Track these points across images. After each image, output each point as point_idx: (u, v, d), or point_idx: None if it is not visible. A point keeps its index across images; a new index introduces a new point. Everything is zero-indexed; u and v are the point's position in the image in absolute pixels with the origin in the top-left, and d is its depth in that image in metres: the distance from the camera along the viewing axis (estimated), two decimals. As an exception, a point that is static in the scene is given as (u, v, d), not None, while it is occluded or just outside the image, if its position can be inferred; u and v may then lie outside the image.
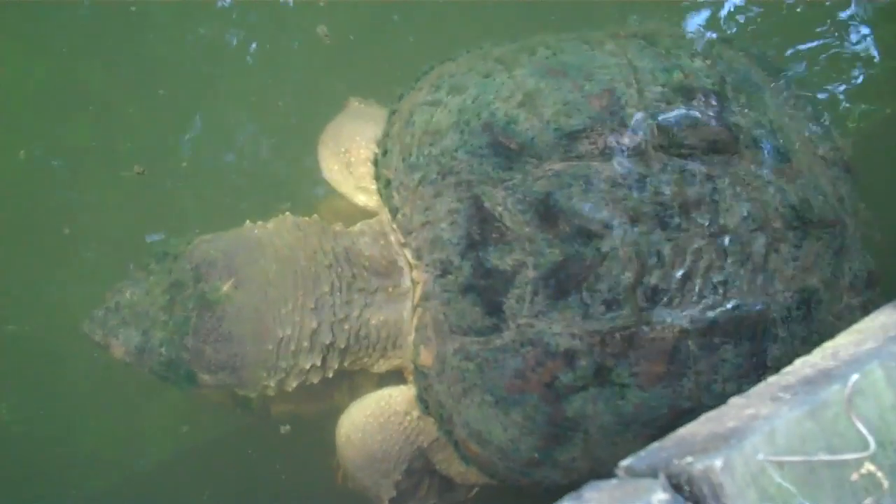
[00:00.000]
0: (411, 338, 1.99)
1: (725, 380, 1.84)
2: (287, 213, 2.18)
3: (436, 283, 1.90)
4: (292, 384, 2.08)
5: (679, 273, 1.81)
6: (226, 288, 1.99)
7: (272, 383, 2.07)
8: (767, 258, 1.87)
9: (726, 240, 1.84)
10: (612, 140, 1.85)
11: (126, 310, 2.05)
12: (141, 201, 2.82)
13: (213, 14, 3.01)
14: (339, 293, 2.07)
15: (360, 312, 2.07)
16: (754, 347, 1.84)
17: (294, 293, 2.03)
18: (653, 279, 1.79)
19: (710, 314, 1.81)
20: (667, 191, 1.83)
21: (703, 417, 1.27)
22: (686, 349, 1.80)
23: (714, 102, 1.94)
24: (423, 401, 2.00)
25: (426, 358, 1.94)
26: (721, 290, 1.83)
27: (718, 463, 1.12)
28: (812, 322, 1.91)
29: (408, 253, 1.99)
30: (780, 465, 1.13)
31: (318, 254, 2.08)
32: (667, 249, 1.81)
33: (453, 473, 2.17)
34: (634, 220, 1.81)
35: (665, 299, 1.80)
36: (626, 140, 1.86)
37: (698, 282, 1.81)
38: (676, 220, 1.82)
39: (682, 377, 1.81)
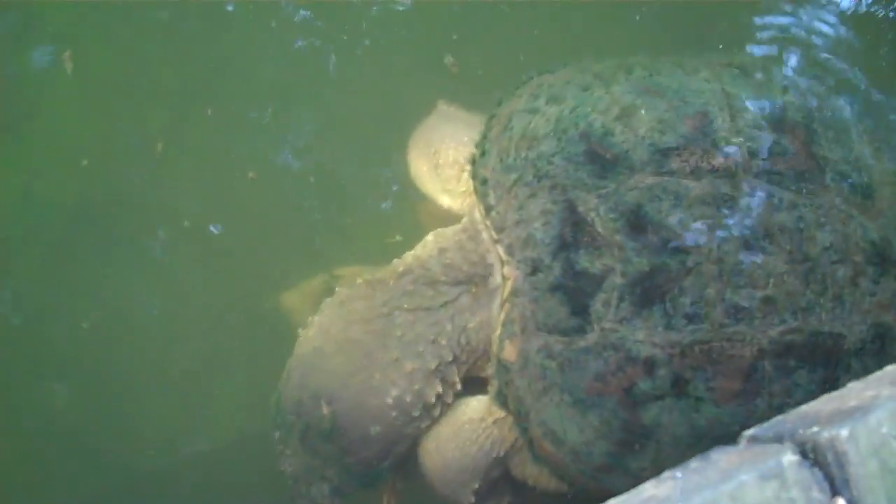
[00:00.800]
0: (497, 333, 2.03)
1: (797, 404, 1.85)
2: (336, 289, 2.25)
3: (525, 281, 1.94)
4: (436, 414, 2.16)
5: (761, 294, 1.84)
6: (325, 411, 2.10)
7: (419, 429, 2.16)
8: (846, 290, 1.91)
9: (808, 266, 1.89)
10: (703, 160, 1.92)
11: (300, 477, 2.20)
12: (204, 200, 2.93)
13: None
14: (421, 322, 2.13)
15: (452, 325, 2.12)
16: (828, 374, 1.87)
17: (373, 361, 2.12)
18: (735, 297, 1.84)
19: (789, 337, 1.85)
20: (754, 214, 1.89)
21: (825, 397, 1.36)
22: (762, 369, 1.84)
23: (803, 135, 2.00)
24: (503, 395, 2.02)
25: (510, 353, 1.98)
26: (800, 316, 1.86)
27: (844, 433, 1.19)
28: (884, 357, 1.92)
29: (500, 249, 2.03)
30: (903, 439, 1.22)
31: (384, 307, 2.15)
32: (750, 270, 1.85)
33: (528, 476, 2.18)
34: (721, 239, 1.86)
35: (746, 318, 1.83)
36: (717, 161, 1.92)
37: (779, 304, 1.85)
38: (761, 242, 1.87)
39: (756, 396, 1.84)
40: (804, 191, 1.94)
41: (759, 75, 2.19)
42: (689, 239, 1.86)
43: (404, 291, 2.16)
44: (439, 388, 2.12)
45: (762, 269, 1.86)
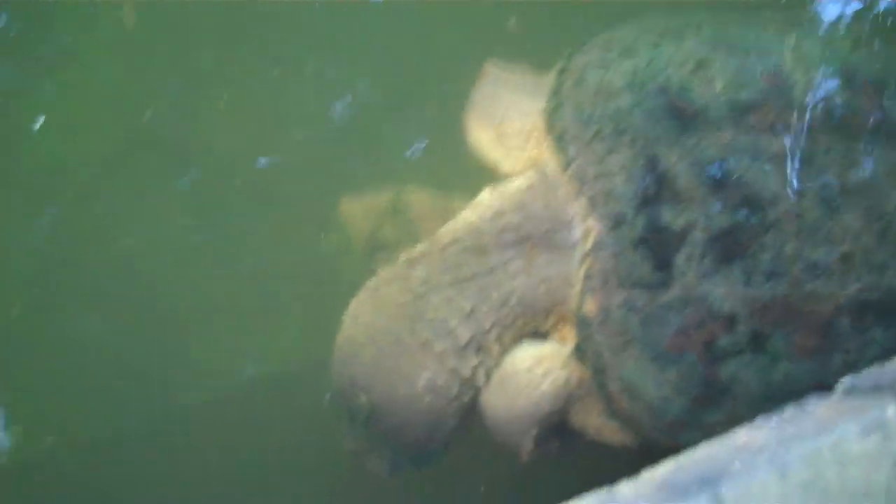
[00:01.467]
0: (578, 287, 2.00)
1: (871, 362, 1.81)
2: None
3: (608, 235, 1.93)
4: (479, 383, 2.12)
5: (839, 251, 1.85)
6: (363, 400, 2.06)
7: (464, 403, 2.12)
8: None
9: (883, 223, 1.89)
10: (780, 117, 1.91)
11: (360, 451, 2.17)
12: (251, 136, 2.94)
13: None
14: (460, 296, 2.09)
15: (498, 292, 2.08)
16: None
17: (402, 349, 2.08)
18: (814, 254, 1.84)
19: (865, 295, 1.85)
20: (830, 171, 1.88)
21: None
22: (839, 326, 1.83)
23: (874, 92, 1.99)
24: (582, 350, 2.00)
25: (591, 307, 1.96)
26: (876, 273, 1.86)
27: (950, 386, 1.17)
28: None
29: (582, 201, 2.00)
30: None
31: (421, 286, 2.10)
32: (828, 227, 1.85)
33: (589, 426, 2.15)
34: (799, 196, 1.85)
35: (823, 275, 1.83)
36: (793, 118, 1.91)
37: (857, 261, 1.85)
38: (838, 200, 1.86)
39: (832, 353, 1.84)
40: (879, 148, 1.93)
41: (825, 32, 2.21)
42: (768, 196, 1.85)
43: (446, 265, 2.10)
44: (474, 360, 2.08)
45: (839, 226, 1.86)
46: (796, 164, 1.88)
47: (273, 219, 2.89)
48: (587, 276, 1.96)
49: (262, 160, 2.92)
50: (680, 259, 1.85)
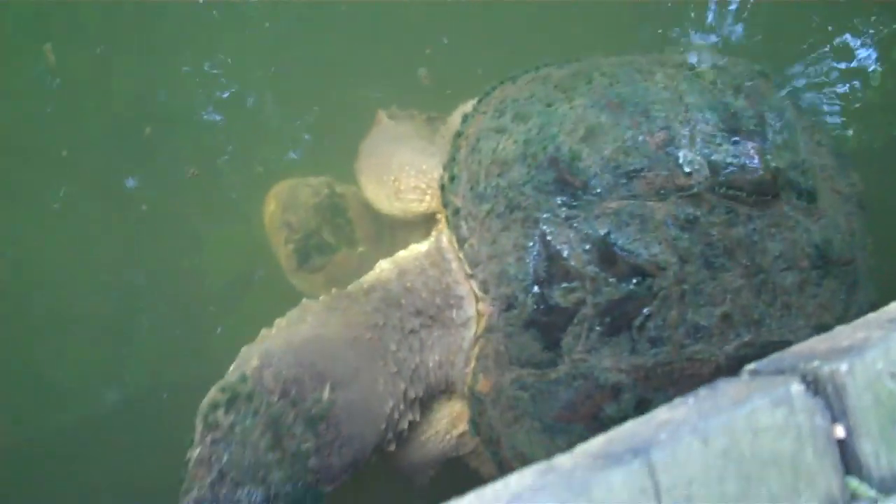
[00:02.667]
0: (472, 366, 2.06)
1: None
2: (321, 297, 2.17)
3: (500, 317, 1.98)
4: (403, 438, 2.12)
5: (719, 311, 1.93)
6: (326, 395, 1.94)
7: (382, 450, 2.10)
8: (793, 296, 2.01)
9: (761, 279, 1.97)
10: (668, 180, 1.97)
11: (233, 472, 1.83)
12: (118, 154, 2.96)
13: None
14: (404, 346, 2.10)
15: (421, 356, 2.11)
16: None
17: (379, 366, 2.05)
18: (696, 317, 1.92)
19: (743, 351, 1.94)
20: (714, 231, 1.96)
21: (816, 338, 1.48)
22: None
23: (758, 144, 2.07)
24: (476, 424, 2.07)
25: (484, 386, 2.03)
26: (753, 329, 1.96)
27: (844, 367, 1.31)
28: None
29: (474, 284, 2.06)
30: (894, 375, 1.35)
31: (369, 317, 2.09)
32: (710, 289, 1.93)
33: (483, 472, 2.25)
34: (684, 261, 1.93)
35: (704, 336, 1.92)
36: (679, 181, 1.98)
37: (735, 319, 1.94)
38: (721, 260, 1.94)
39: None
40: (759, 202, 2.01)
41: (710, 75, 2.25)
42: (654, 264, 1.92)
43: (375, 308, 2.13)
44: (416, 418, 2.14)
45: (721, 286, 1.94)
46: (682, 228, 1.95)
47: (143, 234, 2.93)
48: (480, 357, 2.03)
49: (131, 181, 2.94)
50: (568, 337, 1.93)
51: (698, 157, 2.00)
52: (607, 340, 1.92)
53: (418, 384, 2.12)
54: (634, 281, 1.91)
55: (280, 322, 2.08)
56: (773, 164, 2.05)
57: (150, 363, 2.76)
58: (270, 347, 1.96)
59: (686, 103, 2.11)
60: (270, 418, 1.87)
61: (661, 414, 1.32)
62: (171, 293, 2.86)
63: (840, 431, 1.28)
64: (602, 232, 1.94)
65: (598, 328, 1.92)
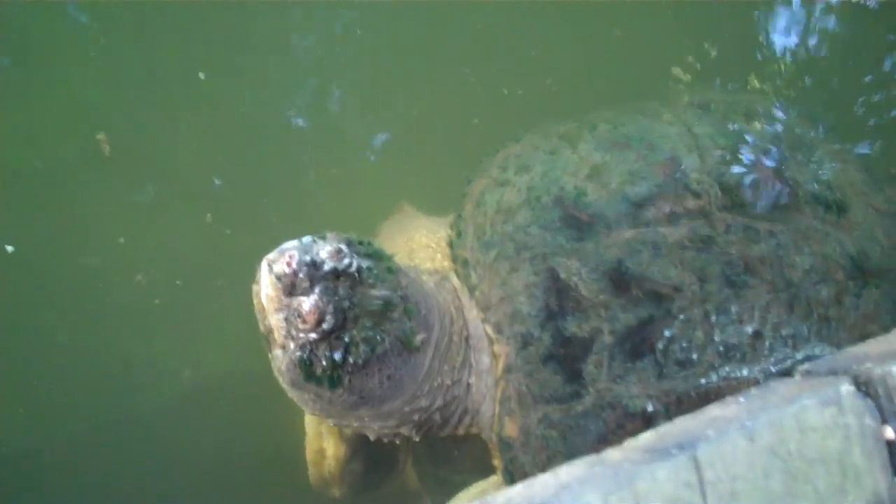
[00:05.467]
0: (496, 410, 2.02)
1: None
2: (450, 272, 2.20)
3: (517, 356, 1.96)
4: (391, 432, 2.09)
5: (749, 329, 1.88)
6: (418, 340, 1.93)
7: (384, 429, 2.08)
8: (831, 309, 1.95)
9: (791, 293, 1.92)
10: (677, 205, 1.96)
11: (329, 278, 1.77)
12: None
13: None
14: (454, 361, 2.10)
15: (453, 380, 2.09)
16: None
17: (445, 366, 2.05)
18: (724, 336, 1.87)
19: (782, 366, 1.87)
20: (732, 249, 1.92)
21: (871, 341, 1.49)
22: None
23: (773, 161, 2.04)
24: (509, 472, 2.01)
25: (511, 430, 1.98)
26: (790, 343, 1.89)
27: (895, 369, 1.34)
28: None
29: (488, 328, 2.04)
30: (948, 378, 1.35)
31: (456, 327, 2.10)
32: (736, 306, 1.88)
33: None
34: (703, 280, 1.89)
35: (737, 355, 1.86)
36: (690, 204, 1.96)
37: (768, 336, 1.88)
38: (743, 277, 1.90)
39: None
40: (780, 217, 1.98)
41: (721, 109, 2.22)
42: (671, 286, 1.89)
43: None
44: (422, 417, 2.10)
45: (748, 304, 1.89)
46: (697, 249, 1.92)
47: (225, 232, 3.02)
48: (503, 400, 1.98)
49: (217, 182, 3.04)
50: (590, 366, 1.88)
51: (708, 179, 1.99)
52: (631, 367, 1.88)
53: (439, 399, 2.08)
54: (651, 305, 1.89)
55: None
56: (791, 177, 2.03)
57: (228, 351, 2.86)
58: (419, 275, 2.09)
59: (695, 133, 2.10)
60: (387, 299, 1.86)
61: (712, 411, 1.35)
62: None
63: (890, 433, 1.29)
64: (613, 260, 1.93)
65: (619, 355, 1.88)
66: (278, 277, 1.74)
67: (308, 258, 1.71)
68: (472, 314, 2.08)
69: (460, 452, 2.36)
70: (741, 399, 1.35)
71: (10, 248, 2.81)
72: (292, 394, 1.94)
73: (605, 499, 1.16)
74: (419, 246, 2.37)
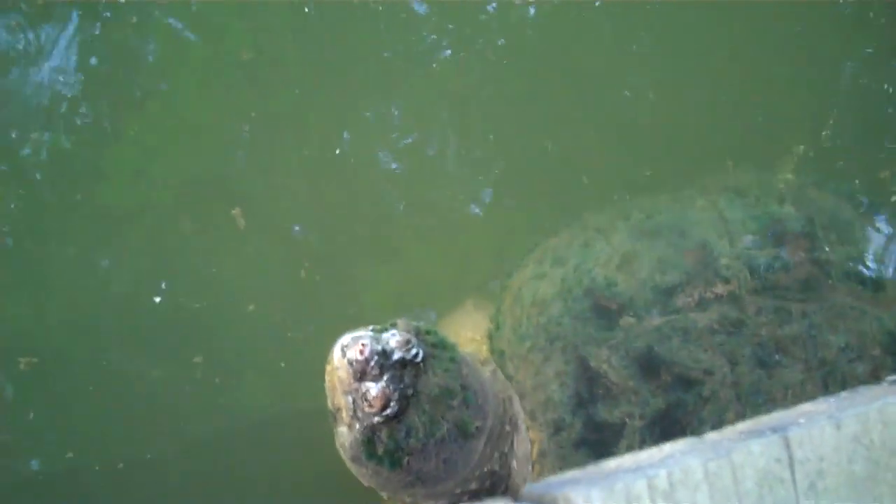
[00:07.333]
0: None
1: None
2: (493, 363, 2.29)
3: (550, 441, 2.05)
4: None
5: (783, 406, 1.83)
6: (474, 427, 1.98)
7: None
8: (869, 385, 1.94)
9: (825, 371, 1.97)
10: (707, 291, 2.04)
11: (397, 367, 1.88)
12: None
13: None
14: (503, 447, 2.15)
15: (500, 466, 2.14)
16: None
17: (496, 452, 2.09)
18: (756, 414, 1.81)
19: None
20: (763, 331, 1.99)
21: None
22: None
23: (804, 242, 2.10)
24: None
25: None
26: None
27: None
28: None
29: (525, 416, 2.15)
30: None
31: (507, 416, 2.14)
32: (768, 387, 1.95)
33: None
34: (733, 363, 1.96)
35: None
36: (720, 289, 2.04)
37: None
38: (775, 357, 1.96)
39: None
40: (813, 298, 2.03)
41: (755, 192, 2.28)
42: (701, 369, 1.97)
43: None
44: None
45: (780, 383, 1.95)
46: (728, 333, 1.98)
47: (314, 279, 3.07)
48: None
49: (297, 228, 3.10)
50: (621, 450, 1.95)
51: (737, 264, 2.06)
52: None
53: (487, 480, 2.11)
54: (681, 389, 1.96)
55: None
56: (823, 258, 2.08)
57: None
58: (477, 364, 2.17)
59: (726, 219, 2.17)
60: (446, 387, 1.95)
61: (804, 407, 1.53)
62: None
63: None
64: (643, 347, 2.02)
65: (650, 439, 1.95)
66: (350, 363, 1.86)
67: (379, 347, 1.84)
68: (517, 404, 2.17)
69: None
70: (831, 399, 1.52)
71: (157, 299, 2.96)
72: (352, 467, 2.04)
73: (704, 465, 1.34)
74: (465, 340, 2.45)
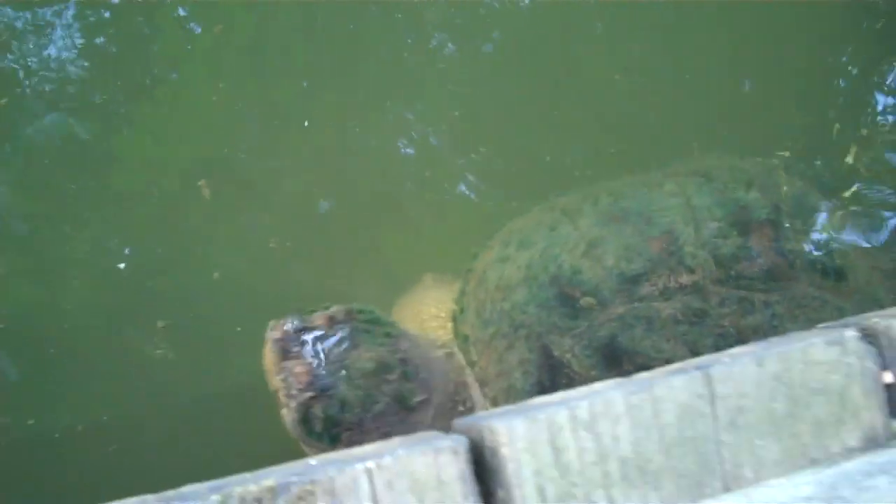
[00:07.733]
0: None
1: None
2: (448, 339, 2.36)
3: None
4: None
5: None
6: (417, 400, 2.06)
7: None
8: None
9: None
10: (671, 279, 2.05)
11: (319, 342, 2.00)
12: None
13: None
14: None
15: None
16: None
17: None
18: None
19: None
20: (726, 321, 2.01)
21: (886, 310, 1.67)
22: None
23: (769, 231, 2.12)
24: None
25: None
26: None
27: (897, 322, 1.52)
28: None
29: (487, 403, 2.18)
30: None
31: (459, 398, 2.24)
32: None
33: None
34: (695, 353, 1.95)
35: None
36: (684, 278, 2.06)
37: None
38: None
39: None
40: (775, 287, 2.05)
41: (724, 176, 2.30)
42: (663, 360, 1.96)
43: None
44: None
45: None
46: (690, 322, 1.99)
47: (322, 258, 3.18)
48: None
49: (324, 204, 3.22)
50: None
51: (702, 253, 2.08)
52: None
53: None
54: None
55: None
56: (787, 247, 2.11)
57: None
58: (419, 336, 2.28)
59: (693, 205, 2.18)
60: (383, 361, 2.07)
61: (734, 349, 1.55)
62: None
63: (889, 377, 1.46)
64: (607, 336, 2.03)
65: None
66: (274, 343, 1.97)
67: (300, 325, 1.95)
68: (476, 389, 2.21)
69: None
70: (762, 342, 1.55)
71: (161, 324, 3.02)
72: (303, 448, 2.08)
73: (626, 398, 1.37)
74: (429, 316, 2.49)
